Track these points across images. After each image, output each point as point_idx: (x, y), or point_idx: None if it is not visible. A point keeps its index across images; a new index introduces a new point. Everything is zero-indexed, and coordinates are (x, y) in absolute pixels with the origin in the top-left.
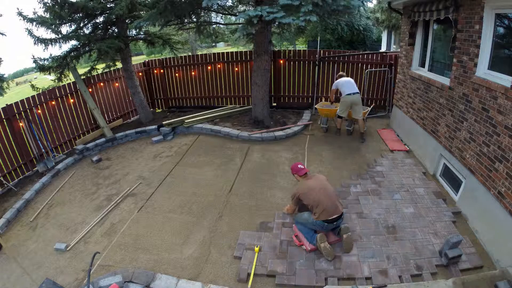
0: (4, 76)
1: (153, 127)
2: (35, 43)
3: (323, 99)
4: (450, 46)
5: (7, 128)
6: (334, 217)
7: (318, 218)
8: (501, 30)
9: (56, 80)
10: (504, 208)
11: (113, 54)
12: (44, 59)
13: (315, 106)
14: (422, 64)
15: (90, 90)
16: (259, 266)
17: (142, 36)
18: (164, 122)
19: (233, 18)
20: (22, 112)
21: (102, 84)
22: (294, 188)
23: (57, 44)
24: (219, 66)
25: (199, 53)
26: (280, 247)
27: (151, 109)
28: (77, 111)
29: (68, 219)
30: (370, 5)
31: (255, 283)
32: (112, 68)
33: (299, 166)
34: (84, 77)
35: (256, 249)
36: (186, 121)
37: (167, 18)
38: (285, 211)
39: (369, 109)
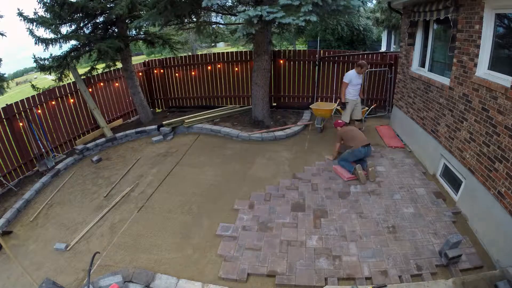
0: (5, 75)
1: (153, 127)
2: (35, 43)
3: (319, 100)
4: (450, 46)
5: (7, 128)
6: (365, 144)
7: (357, 146)
8: (501, 30)
9: (56, 80)
10: (504, 208)
11: (113, 54)
12: (45, 59)
13: (310, 106)
14: (422, 64)
15: (90, 90)
16: (259, 266)
17: (142, 36)
18: (164, 122)
19: (233, 18)
20: (22, 112)
21: (102, 84)
22: (337, 133)
23: (57, 44)
24: (219, 66)
25: (199, 53)
26: (280, 246)
27: (151, 109)
28: (77, 111)
29: (68, 219)
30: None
31: (255, 283)
32: (112, 68)
33: (338, 121)
34: (84, 77)
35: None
36: (186, 121)
37: (167, 18)
38: (330, 158)
39: (367, 108)
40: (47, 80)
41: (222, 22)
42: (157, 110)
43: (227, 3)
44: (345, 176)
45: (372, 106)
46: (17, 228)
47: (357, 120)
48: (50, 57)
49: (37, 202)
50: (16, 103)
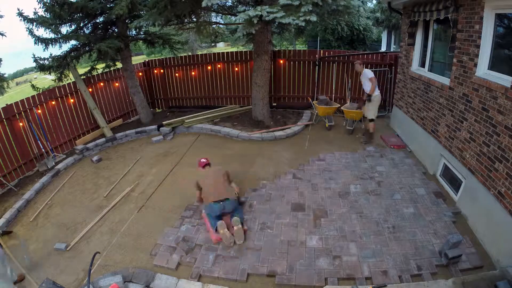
0: (5, 75)
1: (153, 127)
2: (35, 43)
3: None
4: (450, 46)
5: (7, 128)
6: (219, 199)
7: (207, 201)
8: (501, 30)
9: (56, 80)
10: (504, 208)
11: (113, 54)
12: (45, 59)
13: (313, 102)
14: (422, 64)
15: (90, 90)
16: (259, 266)
17: (142, 36)
18: (164, 122)
19: (233, 18)
20: (22, 112)
21: (102, 84)
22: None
23: (57, 44)
24: (219, 66)
25: (199, 53)
26: (280, 246)
27: (151, 109)
28: (77, 111)
29: (68, 219)
30: (370, 5)
31: (255, 283)
32: (112, 68)
33: (201, 160)
34: (84, 77)
35: None
36: (186, 121)
37: (167, 18)
38: (197, 202)
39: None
40: (47, 80)
41: (222, 22)
42: (157, 110)
43: (227, 3)
44: (212, 235)
45: None
46: (17, 228)
47: (370, 120)
48: (50, 57)
49: (37, 202)
50: (16, 103)
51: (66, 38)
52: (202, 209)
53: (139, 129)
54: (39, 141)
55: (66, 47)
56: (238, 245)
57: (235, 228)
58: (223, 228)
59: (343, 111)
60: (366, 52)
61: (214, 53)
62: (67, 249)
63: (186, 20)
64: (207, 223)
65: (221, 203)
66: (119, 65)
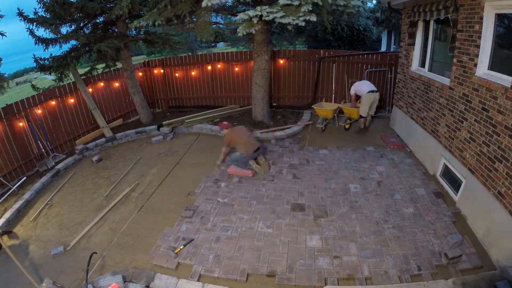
0: (5, 75)
1: (153, 127)
2: (36, 43)
3: (323, 99)
4: (450, 46)
5: (7, 128)
6: (256, 148)
7: (248, 152)
8: (501, 30)
9: (56, 80)
10: (504, 208)
11: (113, 54)
12: (45, 59)
13: (313, 106)
14: (422, 64)
15: (90, 90)
16: (259, 266)
17: (142, 36)
18: (164, 122)
19: (233, 18)
20: (22, 112)
21: (102, 84)
22: (225, 137)
23: (57, 44)
24: (219, 66)
25: (199, 53)
26: (280, 246)
27: (151, 109)
28: (77, 111)
29: (68, 219)
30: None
31: (255, 283)
32: (112, 68)
33: (224, 123)
34: (84, 77)
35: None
36: (186, 121)
37: (168, 18)
38: (219, 162)
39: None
40: (47, 80)
41: (222, 22)
42: (157, 110)
43: (227, 3)
44: (247, 172)
45: None
46: (17, 228)
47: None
48: (50, 57)
49: (37, 202)
50: (16, 103)
51: (66, 38)
52: (228, 162)
53: (139, 129)
54: (39, 141)
55: (66, 47)
56: (264, 174)
57: (261, 162)
58: (254, 164)
59: (343, 110)
60: (366, 52)
61: (214, 53)
62: (68, 249)
63: (186, 20)
64: (237, 169)
65: (257, 151)
66: (119, 65)
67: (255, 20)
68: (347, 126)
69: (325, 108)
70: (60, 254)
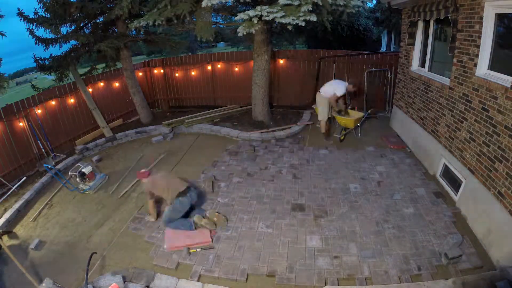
0: (5, 75)
1: (153, 127)
2: (36, 43)
3: None
4: (450, 46)
5: (7, 128)
6: (182, 189)
7: (172, 198)
8: (501, 30)
9: (57, 80)
10: (504, 208)
11: (113, 54)
12: (45, 59)
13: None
14: (422, 64)
15: (90, 90)
16: (259, 266)
17: (142, 36)
18: (164, 122)
19: (233, 18)
20: (22, 112)
21: (102, 84)
22: (144, 188)
23: (57, 44)
24: (219, 66)
25: (199, 53)
26: (280, 246)
27: (151, 109)
28: (77, 111)
29: (68, 219)
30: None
31: (255, 283)
32: (112, 68)
33: (141, 171)
34: (84, 77)
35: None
36: (186, 121)
37: (168, 18)
38: (151, 219)
39: (362, 114)
40: (47, 80)
41: (222, 22)
42: (157, 110)
43: (227, 3)
44: (207, 239)
45: (369, 111)
46: (17, 228)
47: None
48: (50, 57)
49: (37, 202)
50: (16, 103)
51: (66, 38)
52: (164, 224)
53: (139, 129)
54: (39, 141)
55: (66, 47)
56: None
57: (215, 218)
58: (201, 220)
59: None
60: (366, 52)
61: (214, 53)
62: (67, 248)
63: (186, 20)
64: (175, 234)
65: (187, 194)
66: (119, 65)
67: (255, 20)
68: (342, 138)
69: (347, 118)
70: (60, 254)
